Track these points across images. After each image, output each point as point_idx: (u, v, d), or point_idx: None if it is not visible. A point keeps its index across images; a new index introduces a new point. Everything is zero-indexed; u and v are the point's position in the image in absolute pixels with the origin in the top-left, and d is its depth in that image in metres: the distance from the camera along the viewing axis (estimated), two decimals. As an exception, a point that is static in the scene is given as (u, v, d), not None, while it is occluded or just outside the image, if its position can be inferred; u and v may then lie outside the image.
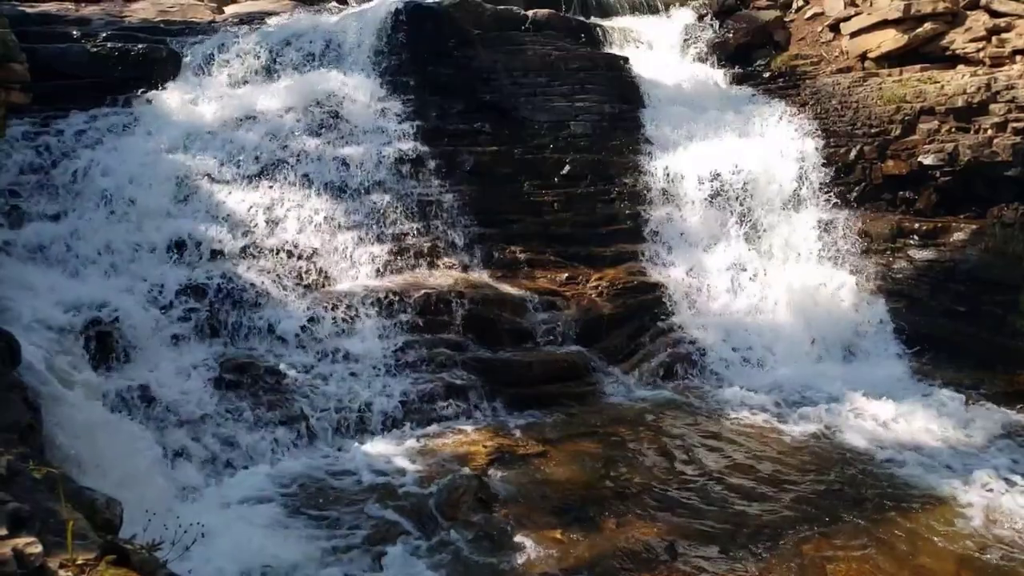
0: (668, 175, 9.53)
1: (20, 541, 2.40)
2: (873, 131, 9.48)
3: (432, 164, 9.01)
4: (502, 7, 11.07)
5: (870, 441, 6.73)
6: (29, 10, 10.29)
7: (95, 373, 6.20)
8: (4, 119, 5.73)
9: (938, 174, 9.07)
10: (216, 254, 7.70)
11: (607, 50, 11.09)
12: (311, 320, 7.38)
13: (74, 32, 9.61)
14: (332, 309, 7.48)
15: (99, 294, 6.89)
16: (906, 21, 9.79)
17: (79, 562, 2.51)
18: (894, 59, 9.98)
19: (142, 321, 6.81)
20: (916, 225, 9.03)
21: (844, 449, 6.61)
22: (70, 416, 5.14)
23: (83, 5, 11.01)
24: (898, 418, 7.12)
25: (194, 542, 3.28)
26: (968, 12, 9.59)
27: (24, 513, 2.60)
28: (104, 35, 9.54)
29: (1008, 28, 9.15)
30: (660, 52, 11.30)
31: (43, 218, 7.61)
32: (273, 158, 8.62)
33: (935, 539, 5.32)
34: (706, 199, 9.34)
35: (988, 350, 8.07)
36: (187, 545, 3.20)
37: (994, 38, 9.20)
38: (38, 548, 2.38)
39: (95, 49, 9.14)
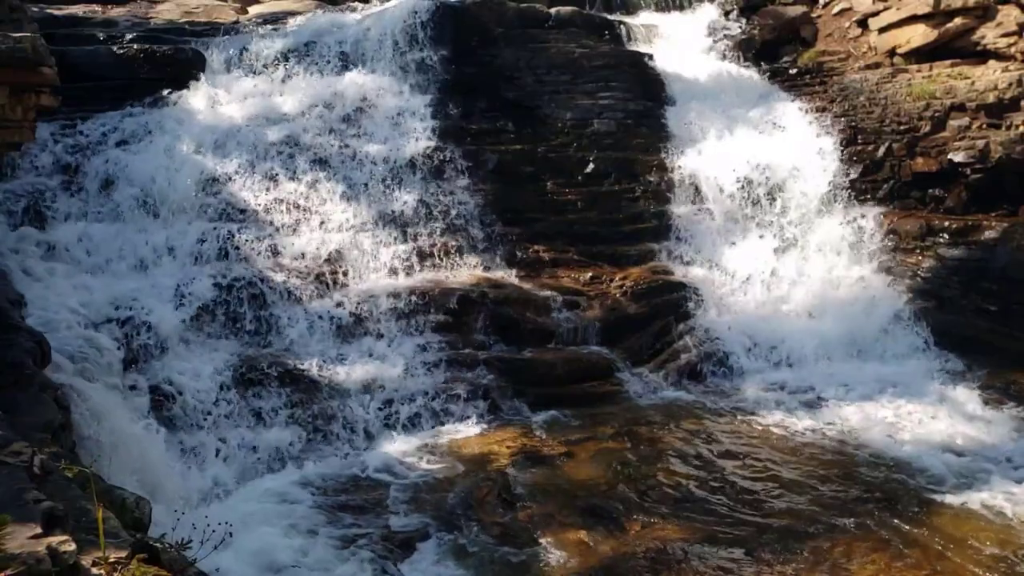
0: (693, 172, 9.44)
1: (54, 539, 2.42)
2: (902, 128, 9.33)
3: (455, 163, 9.01)
4: (525, 5, 11.03)
5: (898, 441, 6.63)
6: (57, 13, 10.42)
7: (123, 373, 6.26)
8: (34, 122, 5.79)
9: (969, 171, 8.92)
10: (240, 253, 7.75)
11: (631, 47, 11.01)
12: (334, 319, 7.41)
13: (100, 34, 9.72)
14: (355, 308, 7.51)
15: (126, 294, 6.98)
16: (936, 16, 9.63)
17: (111, 560, 2.53)
18: (923, 55, 9.83)
19: (168, 320, 6.88)
20: (946, 223, 8.87)
21: (871, 449, 6.52)
22: (99, 415, 5.20)
23: (109, 7, 11.14)
24: (925, 418, 7.02)
25: (222, 541, 3.28)
26: (999, 6, 9.42)
27: (58, 512, 2.62)
28: (130, 37, 9.65)
29: (1041, 22, 8.98)
30: (685, 49, 11.19)
31: (71, 218, 7.71)
32: (296, 157, 8.66)
33: (963, 541, 5.25)
34: (732, 197, 9.25)
35: (1020, 350, 7.92)
36: (215, 544, 3.20)
37: (1026, 32, 9.04)
38: (72, 546, 2.40)
39: (121, 51, 9.24)
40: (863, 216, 9.08)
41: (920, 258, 8.76)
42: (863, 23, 10.67)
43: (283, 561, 4.83)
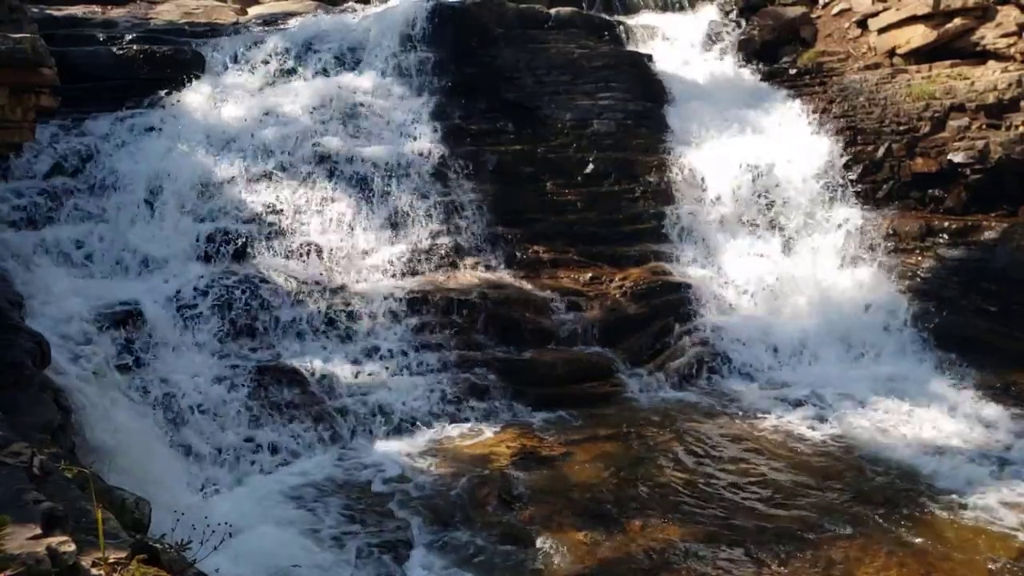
0: (693, 173, 9.44)
1: (54, 540, 2.42)
2: (901, 128, 9.33)
3: (455, 164, 9.00)
4: (524, 5, 11.02)
5: (896, 442, 6.63)
6: (56, 13, 10.41)
7: (121, 373, 6.26)
8: (34, 123, 5.80)
9: (968, 172, 8.92)
10: (239, 254, 7.76)
11: (631, 48, 11.01)
12: (333, 320, 7.41)
13: (100, 35, 9.71)
14: (355, 310, 7.50)
15: (125, 294, 6.98)
16: (935, 16, 9.64)
17: (111, 561, 2.53)
18: (923, 55, 9.83)
19: (167, 321, 6.88)
20: (946, 224, 8.87)
21: (870, 451, 6.52)
22: (98, 416, 5.20)
23: (109, 8, 11.14)
24: (925, 419, 7.01)
25: (222, 542, 3.29)
26: (999, 7, 9.42)
27: (58, 512, 2.62)
28: (129, 37, 9.63)
29: (1040, 23, 8.99)
30: (684, 49, 11.19)
31: (71, 220, 7.70)
32: (296, 158, 8.66)
33: (963, 543, 5.24)
34: (731, 197, 9.24)
35: (1020, 350, 7.91)
36: (215, 545, 3.20)
37: (1025, 33, 9.04)
38: (71, 547, 2.40)
39: (121, 52, 9.23)
40: (863, 217, 9.08)
41: (920, 258, 8.75)
42: (863, 24, 10.67)
43: (283, 561, 4.83)
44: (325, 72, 9.75)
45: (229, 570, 3.76)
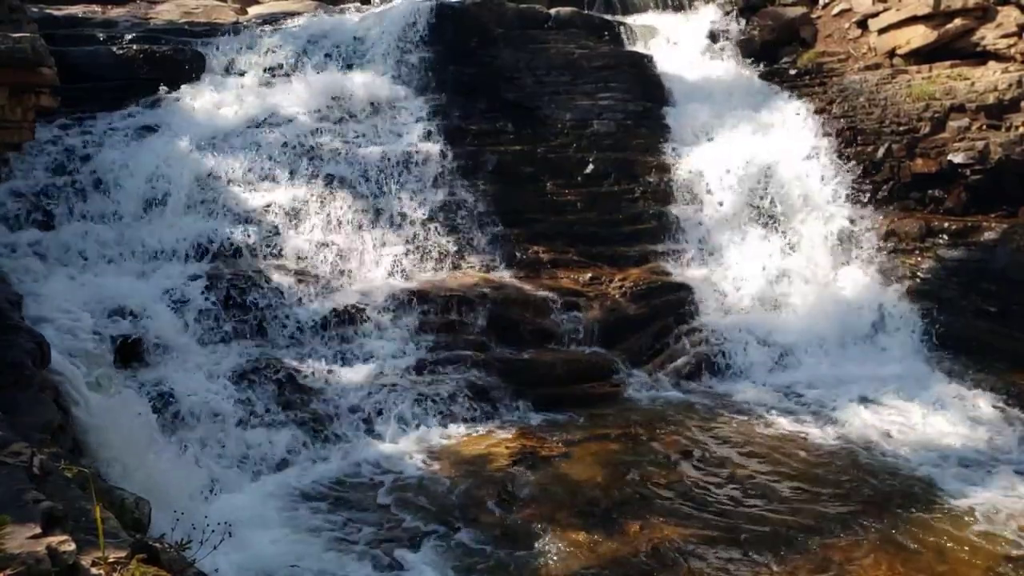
0: (693, 173, 9.46)
1: (54, 539, 2.42)
2: (901, 129, 9.34)
3: (455, 164, 9.01)
4: (524, 5, 11.04)
5: (896, 444, 6.63)
6: (56, 13, 10.42)
7: (121, 373, 6.26)
8: (33, 123, 5.80)
9: (968, 172, 8.92)
10: (239, 254, 7.75)
11: (630, 48, 11.03)
12: (333, 320, 7.40)
13: (100, 35, 9.72)
14: (355, 310, 7.50)
15: (125, 295, 6.97)
16: (936, 17, 9.64)
17: (111, 560, 2.53)
18: (923, 55, 9.84)
19: (166, 321, 6.87)
20: (945, 224, 8.88)
21: (870, 451, 6.52)
22: (98, 416, 5.20)
23: (109, 7, 11.14)
24: (925, 420, 7.01)
25: (221, 541, 3.29)
26: (999, 7, 9.43)
27: (57, 512, 2.62)
28: (129, 37, 9.65)
29: (1041, 23, 8.99)
30: (684, 49, 11.20)
31: (70, 219, 7.70)
32: (295, 158, 8.66)
33: (961, 544, 5.24)
34: (731, 197, 9.24)
35: (1019, 351, 7.92)
36: (215, 545, 3.21)
37: (1026, 33, 9.05)
38: (71, 546, 2.40)
39: (120, 51, 9.24)
40: (863, 217, 9.08)
41: (920, 259, 8.76)
42: (863, 24, 10.68)
43: (282, 562, 4.83)
44: (324, 72, 9.75)
45: (229, 570, 3.76)
